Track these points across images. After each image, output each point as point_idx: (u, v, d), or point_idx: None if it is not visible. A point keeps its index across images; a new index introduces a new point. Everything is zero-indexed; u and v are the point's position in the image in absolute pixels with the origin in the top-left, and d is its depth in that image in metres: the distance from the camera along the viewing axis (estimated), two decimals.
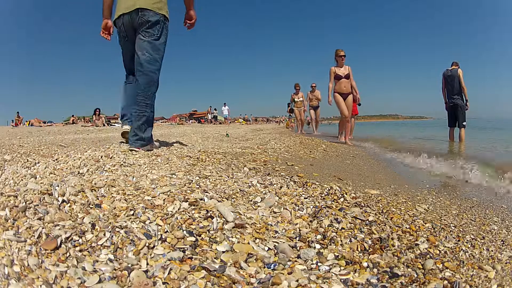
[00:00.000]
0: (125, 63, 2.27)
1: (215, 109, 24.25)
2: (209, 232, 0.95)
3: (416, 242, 1.02)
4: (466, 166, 2.72)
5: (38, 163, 1.75)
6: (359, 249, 0.96)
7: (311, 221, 1.12)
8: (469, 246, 1.04)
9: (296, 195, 1.37)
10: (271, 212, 1.17)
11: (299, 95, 10.07)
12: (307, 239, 1.00)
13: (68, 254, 0.78)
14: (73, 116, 19.29)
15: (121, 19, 2.13)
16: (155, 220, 0.97)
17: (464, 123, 5.68)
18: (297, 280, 0.76)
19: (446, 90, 5.84)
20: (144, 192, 1.21)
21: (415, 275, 0.83)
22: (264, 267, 0.83)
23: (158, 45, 2.11)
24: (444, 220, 1.28)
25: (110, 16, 2.23)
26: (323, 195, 1.41)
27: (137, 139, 2.09)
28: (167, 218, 1.00)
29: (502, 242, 1.11)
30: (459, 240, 1.08)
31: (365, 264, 0.87)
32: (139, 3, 2.05)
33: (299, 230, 1.06)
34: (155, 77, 2.11)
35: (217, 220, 1.01)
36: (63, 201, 1.05)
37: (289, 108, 15.88)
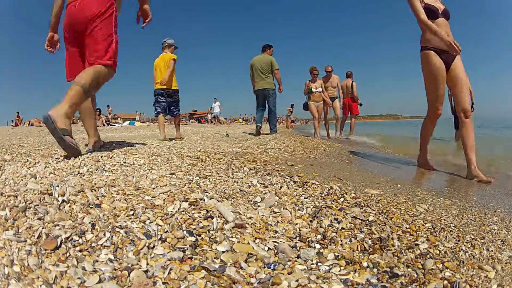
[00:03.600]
0: (258, 105, 5.73)
1: None
2: (209, 232, 0.95)
3: (416, 242, 1.02)
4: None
5: (38, 162, 1.75)
6: (359, 249, 0.96)
7: (311, 221, 1.12)
8: (469, 246, 1.04)
9: (296, 195, 1.37)
10: (271, 212, 1.17)
11: (317, 84, 6.76)
12: (307, 239, 1.00)
13: (68, 254, 0.78)
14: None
15: (258, 91, 5.62)
16: (155, 220, 0.97)
17: None
18: (297, 280, 0.76)
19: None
20: (144, 192, 1.21)
21: (415, 275, 0.83)
22: (264, 267, 0.83)
23: (275, 100, 5.62)
24: (444, 220, 1.28)
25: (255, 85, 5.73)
26: (323, 195, 1.41)
27: (272, 131, 5.59)
28: (167, 218, 1.00)
29: (502, 242, 1.11)
30: (459, 240, 1.08)
31: (365, 264, 0.87)
32: (264, 86, 5.56)
33: (299, 230, 1.06)
34: (276, 113, 5.71)
35: (217, 220, 1.01)
36: (63, 201, 1.04)
37: (288, 108, 15.22)
